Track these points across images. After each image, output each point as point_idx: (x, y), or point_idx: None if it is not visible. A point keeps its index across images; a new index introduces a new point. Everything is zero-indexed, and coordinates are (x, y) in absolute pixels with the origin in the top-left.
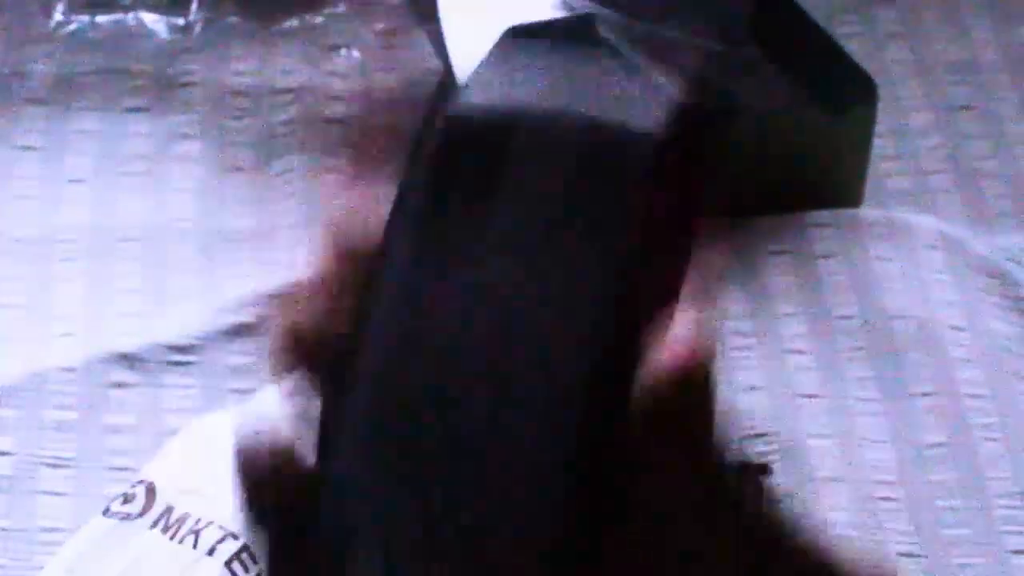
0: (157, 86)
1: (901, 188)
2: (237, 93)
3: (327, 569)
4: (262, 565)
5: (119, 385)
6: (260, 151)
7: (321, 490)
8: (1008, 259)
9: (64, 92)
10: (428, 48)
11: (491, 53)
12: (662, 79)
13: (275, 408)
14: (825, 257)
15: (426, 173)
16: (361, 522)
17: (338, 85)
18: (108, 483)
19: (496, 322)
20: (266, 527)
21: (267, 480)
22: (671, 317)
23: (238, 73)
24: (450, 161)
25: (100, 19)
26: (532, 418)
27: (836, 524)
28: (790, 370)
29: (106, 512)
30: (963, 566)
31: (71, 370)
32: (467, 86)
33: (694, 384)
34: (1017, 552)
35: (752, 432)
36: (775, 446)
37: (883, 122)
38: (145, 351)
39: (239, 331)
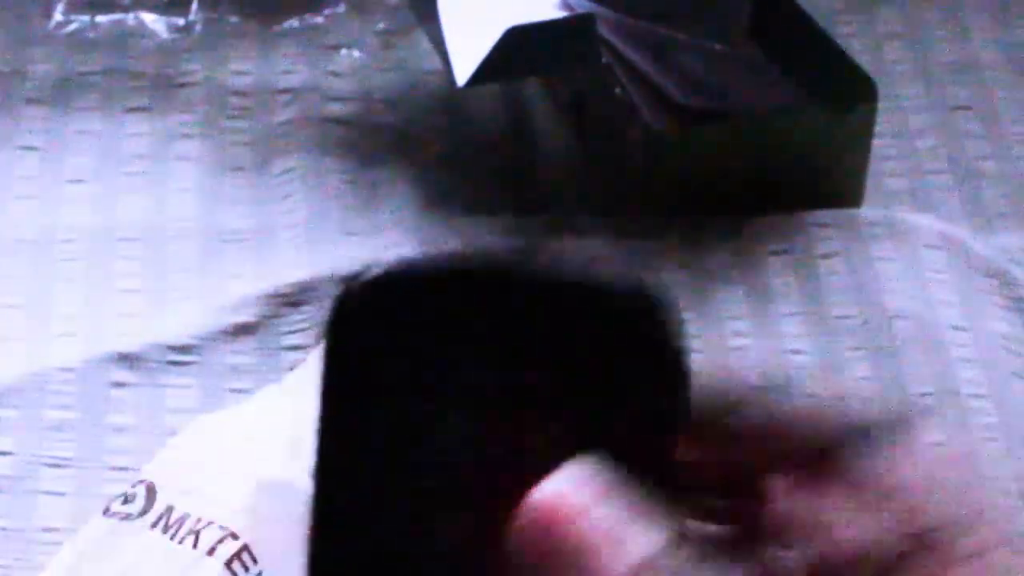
0: (157, 86)
1: (901, 188)
2: (237, 93)
3: None
4: (262, 565)
5: (119, 385)
6: (260, 151)
7: None
8: (1008, 259)
9: (64, 92)
10: (428, 48)
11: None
12: None
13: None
14: (825, 257)
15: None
16: None
17: (338, 85)
18: (108, 483)
19: None
20: None
21: None
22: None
23: (238, 73)
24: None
25: (100, 19)
26: None
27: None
28: (790, 370)
29: (106, 512)
30: None
31: (71, 370)
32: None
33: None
34: (1017, 552)
35: None
36: None
37: (883, 122)
38: (145, 351)
39: (239, 331)
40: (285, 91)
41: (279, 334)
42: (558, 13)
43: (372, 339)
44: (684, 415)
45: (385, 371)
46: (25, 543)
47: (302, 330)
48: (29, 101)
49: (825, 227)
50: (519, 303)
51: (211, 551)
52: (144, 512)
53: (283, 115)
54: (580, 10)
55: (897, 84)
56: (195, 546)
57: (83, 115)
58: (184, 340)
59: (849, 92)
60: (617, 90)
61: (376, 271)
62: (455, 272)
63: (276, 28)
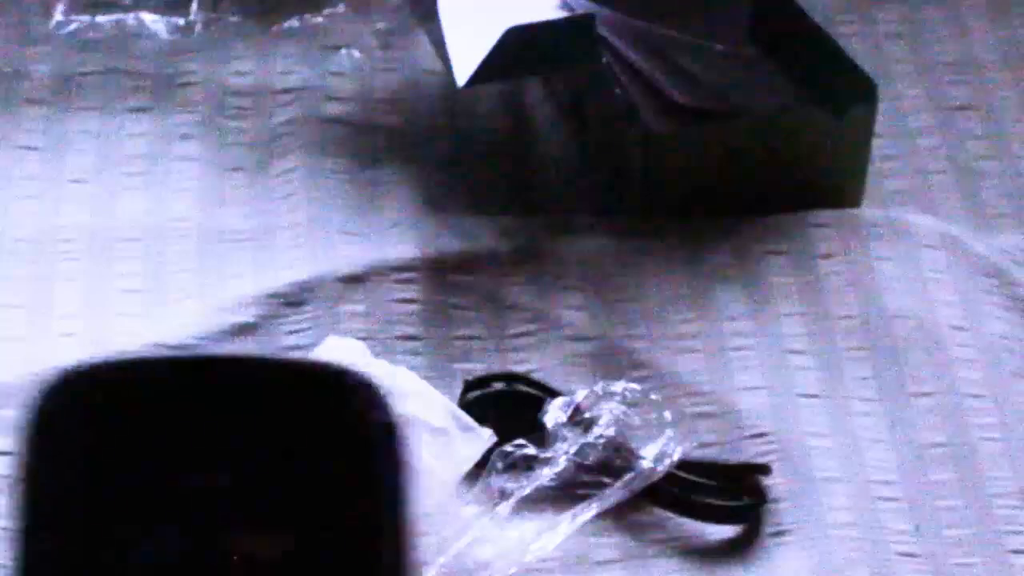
0: (157, 86)
1: (901, 188)
2: (237, 93)
3: None
4: None
5: None
6: (260, 151)
7: None
8: (1008, 259)
9: (64, 92)
10: (428, 48)
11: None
12: None
13: None
14: (825, 257)
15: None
16: None
17: (338, 85)
18: None
19: None
20: None
21: None
22: None
23: (238, 73)
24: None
25: (100, 19)
26: None
27: (836, 524)
28: (790, 370)
29: None
30: (963, 566)
31: None
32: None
33: None
34: (1017, 552)
35: (752, 432)
36: (775, 446)
37: (883, 122)
38: (145, 351)
39: (239, 331)
40: (285, 91)
41: (279, 334)
42: (558, 13)
43: (73, 443)
44: (397, 490)
45: (87, 478)
46: None
47: (302, 330)
48: (29, 101)
49: (825, 227)
50: (214, 404)
51: None
52: None
53: (283, 115)
54: (580, 10)
55: (897, 84)
56: None
57: (83, 115)
58: (184, 340)
59: (849, 92)
60: (617, 90)
61: (70, 372)
62: (144, 376)
63: (276, 28)
